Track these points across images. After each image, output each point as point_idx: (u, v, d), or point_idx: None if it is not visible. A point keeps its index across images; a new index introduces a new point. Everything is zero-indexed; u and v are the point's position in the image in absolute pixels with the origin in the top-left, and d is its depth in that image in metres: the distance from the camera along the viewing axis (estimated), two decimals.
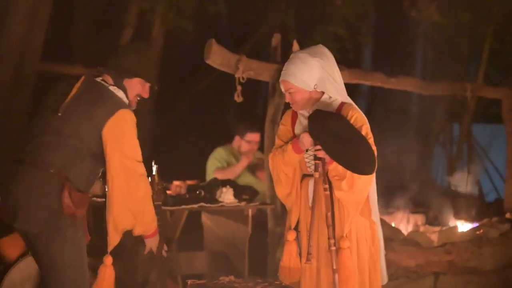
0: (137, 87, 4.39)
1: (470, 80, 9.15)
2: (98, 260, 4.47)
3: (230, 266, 6.51)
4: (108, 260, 4.37)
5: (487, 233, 6.94)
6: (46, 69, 8.10)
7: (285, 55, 5.99)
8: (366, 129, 4.41)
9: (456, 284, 6.73)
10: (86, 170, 4.26)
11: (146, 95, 4.44)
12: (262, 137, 6.87)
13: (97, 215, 4.48)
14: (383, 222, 4.66)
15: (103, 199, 4.35)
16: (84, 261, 4.29)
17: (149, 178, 4.49)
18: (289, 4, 10.64)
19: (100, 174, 4.37)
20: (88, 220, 4.46)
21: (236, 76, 6.22)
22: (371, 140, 4.40)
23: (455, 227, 7.15)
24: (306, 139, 4.40)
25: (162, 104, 9.63)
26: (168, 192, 6.27)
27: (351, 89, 4.71)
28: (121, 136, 4.23)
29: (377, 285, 4.56)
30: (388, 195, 7.39)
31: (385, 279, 4.67)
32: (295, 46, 6.31)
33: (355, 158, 4.32)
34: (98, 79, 4.34)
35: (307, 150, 4.47)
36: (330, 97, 4.47)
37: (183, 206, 6.22)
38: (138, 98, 4.43)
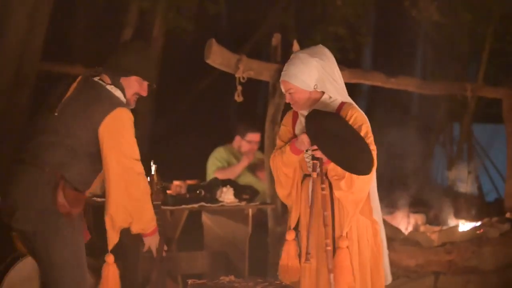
0: (135, 86, 4.38)
1: (470, 80, 9.15)
2: (98, 260, 4.47)
3: (230, 266, 6.51)
4: (110, 258, 4.37)
5: (487, 232, 6.95)
6: (46, 69, 8.10)
7: (285, 55, 6.00)
8: (366, 128, 4.41)
9: (456, 284, 6.73)
10: (83, 169, 4.26)
11: (144, 93, 4.43)
12: (262, 137, 6.87)
13: (98, 214, 4.47)
14: (383, 222, 4.66)
15: (103, 199, 4.35)
16: (83, 260, 4.29)
17: (148, 178, 4.49)
18: (289, 4, 10.64)
19: (99, 173, 4.37)
20: (88, 220, 4.46)
21: (236, 76, 6.22)
22: (370, 139, 4.40)
23: (456, 227, 7.16)
24: (304, 140, 4.40)
25: (162, 104, 9.62)
26: (168, 191, 6.27)
27: (351, 89, 4.71)
28: (118, 135, 4.22)
29: (380, 285, 4.55)
30: (388, 195, 7.39)
31: (389, 279, 4.66)
32: (295, 46, 6.32)
33: (352, 159, 4.33)
34: (96, 79, 4.34)
35: (307, 150, 4.47)
36: (330, 97, 4.48)
37: (183, 206, 6.22)
38: (137, 97, 4.42)
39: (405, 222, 7.58)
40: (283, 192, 4.62)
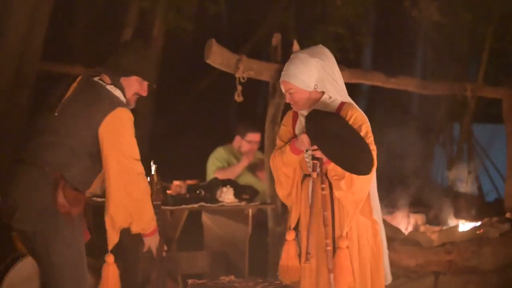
0: (135, 86, 4.38)
1: (470, 80, 9.15)
2: (98, 260, 4.47)
3: (230, 266, 6.51)
4: (110, 258, 4.37)
5: (487, 232, 6.95)
6: (46, 69, 8.10)
7: (285, 55, 6.00)
8: (366, 128, 4.41)
9: (456, 284, 6.73)
10: (83, 169, 4.26)
11: (144, 93, 4.43)
12: (262, 137, 6.87)
13: (98, 214, 4.48)
14: (383, 222, 4.66)
15: (103, 199, 4.35)
16: (83, 260, 4.29)
17: (148, 178, 4.49)
18: (289, 4, 10.64)
19: (99, 173, 4.37)
20: (88, 220, 4.46)
21: (236, 76, 6.22)
22: (370, 139, 4.40)
23: (456, 227, 7.16)
24: (304, 140, 4.40)
25: (162, 104, 9.62)
26: (168, 191, 6.27)
27: (351, 89, 4.72)
28: (118, 135, 4.23)
29: (380, 285, 4.55)
30: (388, 195, 7.39)
31: (389, 279, 4.66)
32: (295, 46, 6.31)
33: (352, 159, 4.33)
34: (96, 79, 4.35)
35: (307, 150, 4.47)
36: (330, 97, 4.48)
37: (183, 206, 6.22)
38: (137, 97, 4.42)
39: (405, 222, 7.58)
40: (283, 192, 4.62)
